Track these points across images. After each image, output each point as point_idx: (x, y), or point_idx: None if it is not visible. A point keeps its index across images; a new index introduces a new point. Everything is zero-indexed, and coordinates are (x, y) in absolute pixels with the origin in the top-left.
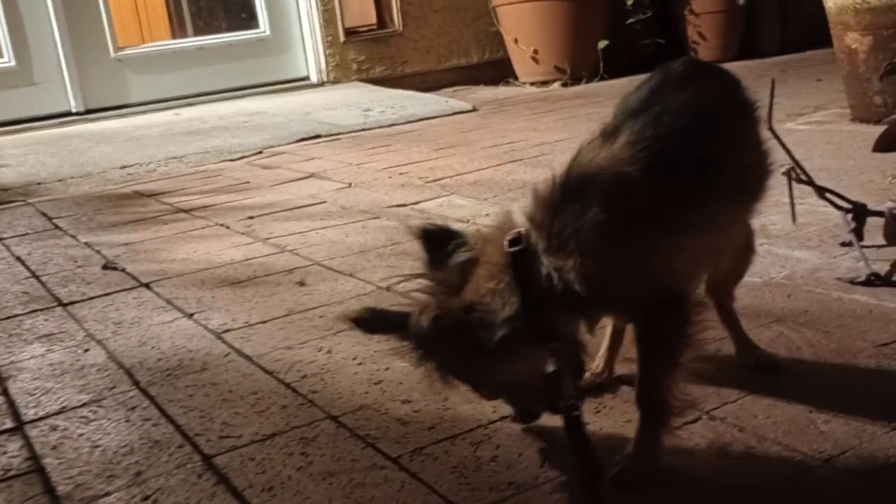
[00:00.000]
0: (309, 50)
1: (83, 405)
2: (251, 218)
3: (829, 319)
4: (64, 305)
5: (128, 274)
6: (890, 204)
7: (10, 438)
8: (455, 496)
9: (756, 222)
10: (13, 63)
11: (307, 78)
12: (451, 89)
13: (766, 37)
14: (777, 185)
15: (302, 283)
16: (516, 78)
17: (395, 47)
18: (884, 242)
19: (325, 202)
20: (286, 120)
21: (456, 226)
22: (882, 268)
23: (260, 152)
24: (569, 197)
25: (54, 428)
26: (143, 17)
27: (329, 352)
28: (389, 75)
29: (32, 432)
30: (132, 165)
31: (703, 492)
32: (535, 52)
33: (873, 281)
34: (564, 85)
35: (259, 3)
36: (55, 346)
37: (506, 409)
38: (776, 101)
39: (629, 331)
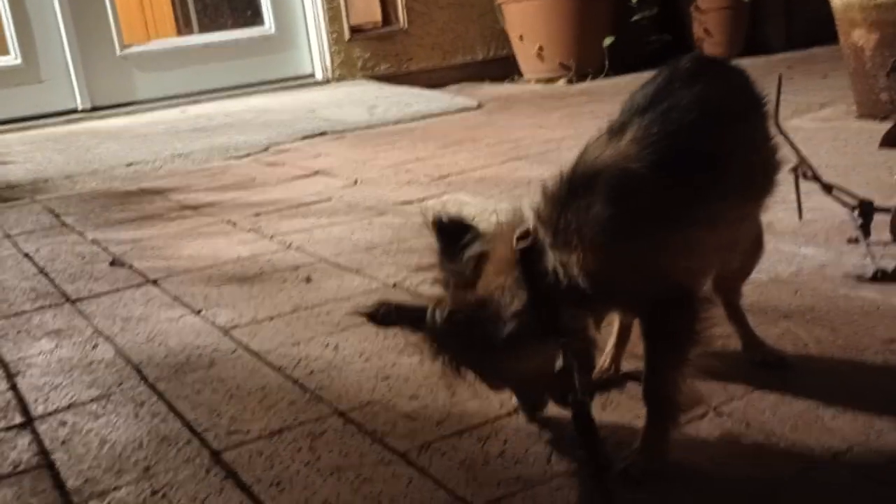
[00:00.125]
0: (314, 47)
1: (92, 401)
2: (257, 215)
3: (836, 316)
4: (72, 302)
5: (135, 270)
6: None
7: (19, 434)
8: (463, 491)
9: (763, 219)
10: (20, 61)
11: (312, 75)
12: (456, 86)
13: (771, 33)
14: (784, 182)
15: (308, 280)
16: (521, 75)
17: (401, 44)
18: (891, 239)
19: (331, 199)
20: (292, 117)
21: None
22: (889, 264)
23: (266, 149)
24: (574, 193)
25: (63, 423)
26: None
27: (336, 348)
28: (395, 72)
29: (42, 427)
30: (138, 162)
31: (710, 487)
32: (541, 49)
33: (880, 277)
34: (570, 82)
35: (264, 0)
36: (63, 342)
37: (514, 404)
38: (782, 98)
39: (636, 327)
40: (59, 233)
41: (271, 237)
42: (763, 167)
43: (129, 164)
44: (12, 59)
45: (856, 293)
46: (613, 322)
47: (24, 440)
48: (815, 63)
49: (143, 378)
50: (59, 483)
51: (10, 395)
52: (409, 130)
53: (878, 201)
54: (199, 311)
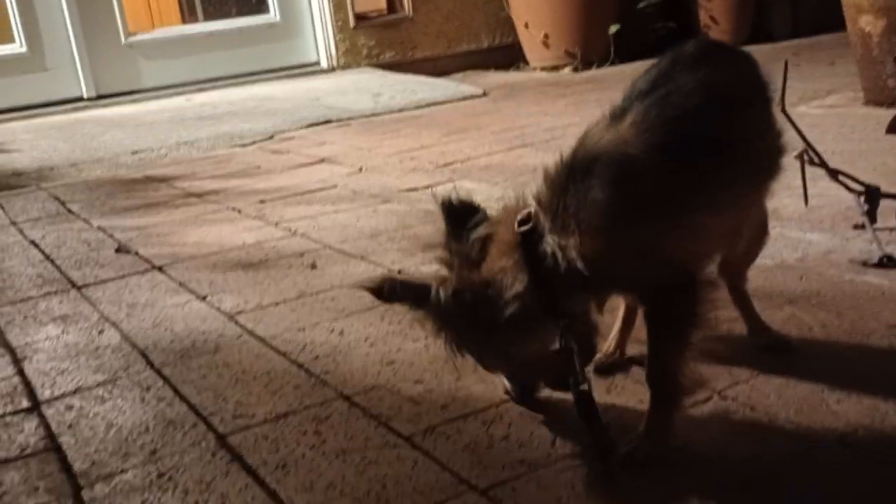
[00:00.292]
0: (319, 35)
1: (98, 385)
2: (262, 202)
3: (841, 301)
4: (78, 288)
5: (140, 257)
6: None
7: (26, 418)
8: (467, 474)
9: (769, 205)
10: (25, 49)
11: (317, 63)
12: (461, 74)
13: (777, 20)
14: (790, 168)
15: (313, 266)
16: (527, 63)
17: (406, 32)
18: None
19: (335, 186)
20: (296, 105)
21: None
22: (895, 250)
23: (271, 137)
24: (573, 177)
25: (70, 407)
26: (153, 2)
27: (341, 333)
28: (400, 60)
29: (49, 412)
30: (144, 150)
31: (715, 469)
32: (546, 36)
33: (886, 263)
34: (575, 70)
35: None
36: (70, 327)
37: (505, 388)
38: (789, 85)
39: (641, 311)
40: (65, 220)
41: (276, 224)
42: (768, 151)
43: (135, 152)
44: (17, 47)
45: (861, 278)
46: (619, 306)
47: (31, 424)
48: (822, 50)
49: (149, 363)
50: (66, 466)
51: (17, 379)
52: (414, 118)
53: (885, 187)
54: (204, 297)
